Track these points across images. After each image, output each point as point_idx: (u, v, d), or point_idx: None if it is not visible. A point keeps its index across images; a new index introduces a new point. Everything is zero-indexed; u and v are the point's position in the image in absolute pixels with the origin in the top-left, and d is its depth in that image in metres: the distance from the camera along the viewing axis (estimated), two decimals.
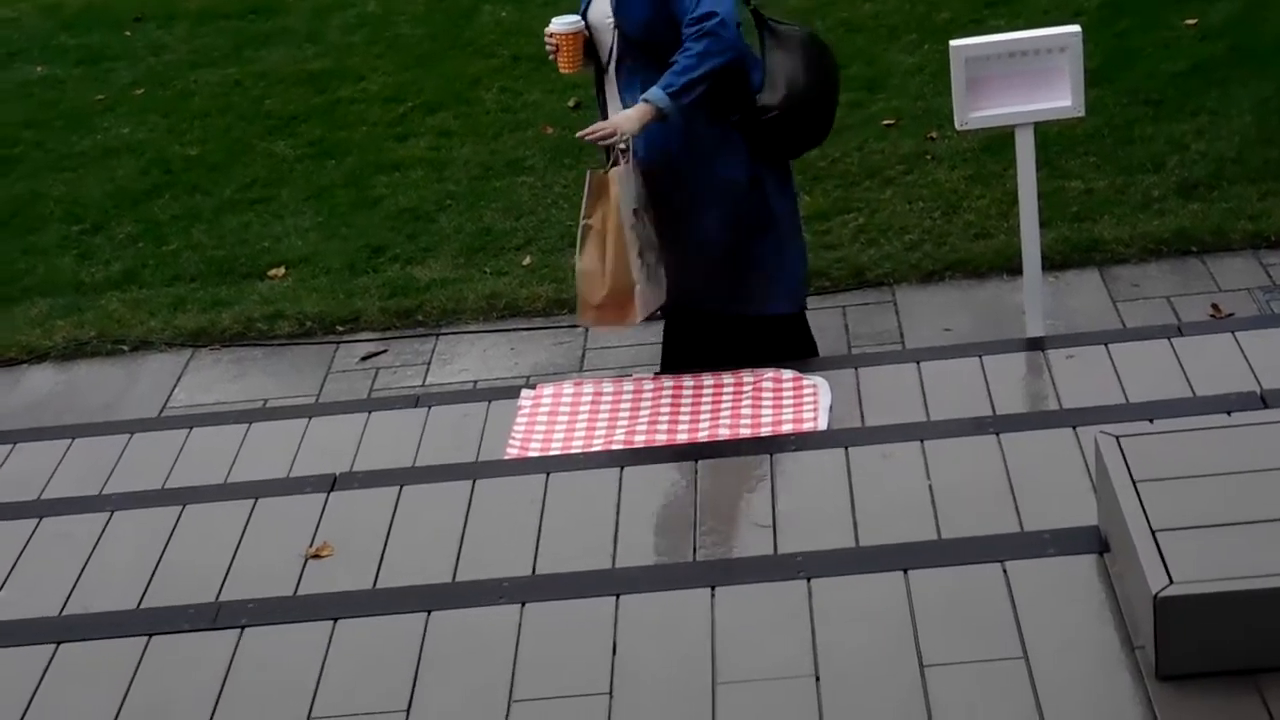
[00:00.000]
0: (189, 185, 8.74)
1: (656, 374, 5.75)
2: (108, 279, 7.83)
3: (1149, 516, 3.58)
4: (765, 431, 5.30)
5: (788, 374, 5.56)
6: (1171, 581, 3.38)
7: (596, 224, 5.36)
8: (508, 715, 3.61)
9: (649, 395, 5.55)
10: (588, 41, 5.52)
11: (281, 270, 7.73)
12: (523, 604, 3.97)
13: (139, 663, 3.92)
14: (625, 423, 5.43)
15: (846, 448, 4.76)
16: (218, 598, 4.34)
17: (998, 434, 4.73)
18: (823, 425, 5.30)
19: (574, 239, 5.67)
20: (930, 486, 4.52)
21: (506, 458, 5.32)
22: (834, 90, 5.66)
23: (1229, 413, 4.55)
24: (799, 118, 5.53)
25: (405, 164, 8.66)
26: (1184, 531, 3.52)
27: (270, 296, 7.47)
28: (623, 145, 5.34)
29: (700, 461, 4.82)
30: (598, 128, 5.40)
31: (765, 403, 5.47)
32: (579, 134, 5.45)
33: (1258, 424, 4.02)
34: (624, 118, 5.35)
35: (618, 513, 4.58)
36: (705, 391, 5.54)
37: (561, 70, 5.59)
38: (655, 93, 5.29)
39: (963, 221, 7.34)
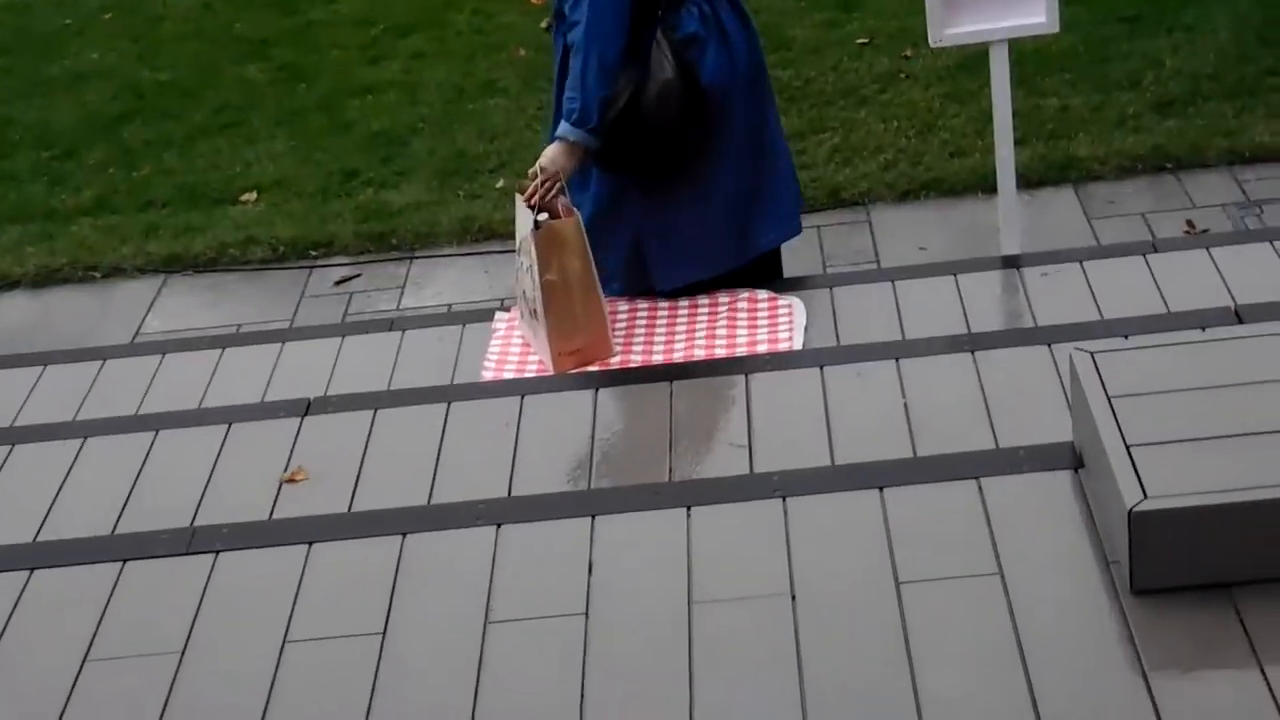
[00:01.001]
0: (160, 110, 8.69)
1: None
2: (79, 206, 7.80)
3: (1123, 432, 3.57)
4: (740, 352, 5.29)
5: (763, 294, 5.54)
6: (1146, 496, 3.38)
7: (557, 277, 5.16)
8: (484, 636, 3.61)
9: (623, 317, 5.53)
10: None
11: (254, 195, 7.70)
12: (498, 526, 3.97)
13: (113, 588, 3.90)
14: None
15: (822, 367, 4.74)
16: (192, 523, 4.32)
17: (973, 352, 4.72)
18: (798, 345, 5.29)
19: None
20: (905, 405, 4.52)
21: (482, 380, 5.31)
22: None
23: (1203, 328, 4.54)
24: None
25: (377, 87, 8.61)
26: (1158, 447, 3.52)
27: (243, 222, 7.44)
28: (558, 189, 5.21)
29: (675, 382, 4.81)
30: (536, 183, 5.15)
31: (740, 323, 5.45)
32: (523, 197, 5.19)
33: (1232, 339, 4.01)
34: (551, 159, 5.18)
35: (593, 434, 4.56)
36: (680, 312, 5.52)
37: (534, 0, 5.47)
38: (564, 126, 5.15)
39: (938, 140, 7.33)
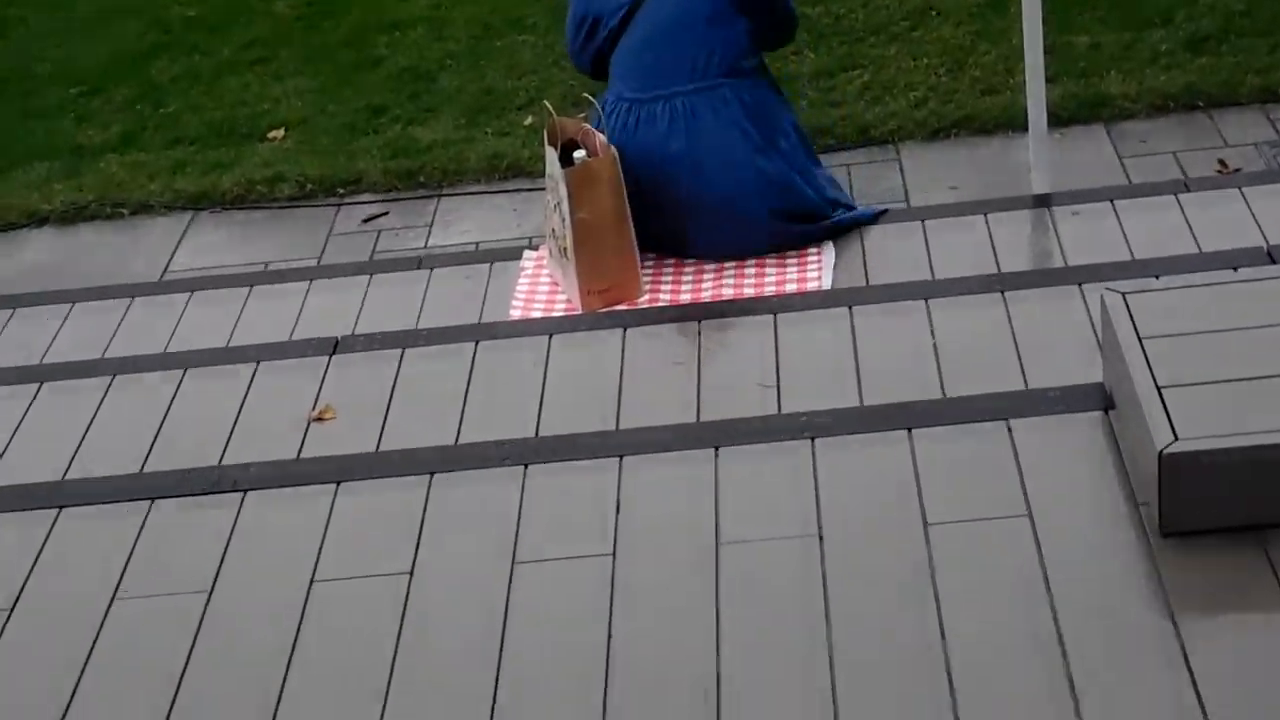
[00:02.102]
0: (188, 46, 8.66)
1: None
2: (106, 142, 7.78)
3: (1154, 373, 3.55)
4: (769, 291, 5.27)
5: None
6: (1177, 438, 3.36)
7: (589, 215, 5.17)
8: (511, 576, 3.61)
9: (653, 255, 5.51)
10: None
11: (281, 132, 7.67)
12: (526, 466, 3.96)
13: (141, 527, 3.92)
14: None
15: (850, 307, 4.72)
16: (220, 462, 4.33)
17: (1003, 292, 4.69)
18: (826, 284, 5.28)
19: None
20: (935, 345, 4.50)
21: (510, 319, 5.30)
22: None
23: (1235, 269, 4.51)
24: None
25: (405, 23, 8.56)
26: (1189, 388, 3.50)
27: (270, 159, 7.41)
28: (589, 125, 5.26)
29: (704, 321, 4.80)
30: None
31: (769, 262, 5.43)
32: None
33: (1264, 279, 3.97)
34: None
35: (621, 374, 4.55)
36: None
37: None
38: None
39: (969, 78, 7.26)
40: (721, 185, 5.35)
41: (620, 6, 5.36)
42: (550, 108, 5.54)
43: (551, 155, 5.30)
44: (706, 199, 5.36)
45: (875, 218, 5.59)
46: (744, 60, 5.41)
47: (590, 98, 5.48)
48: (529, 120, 5.41)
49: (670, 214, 5.39)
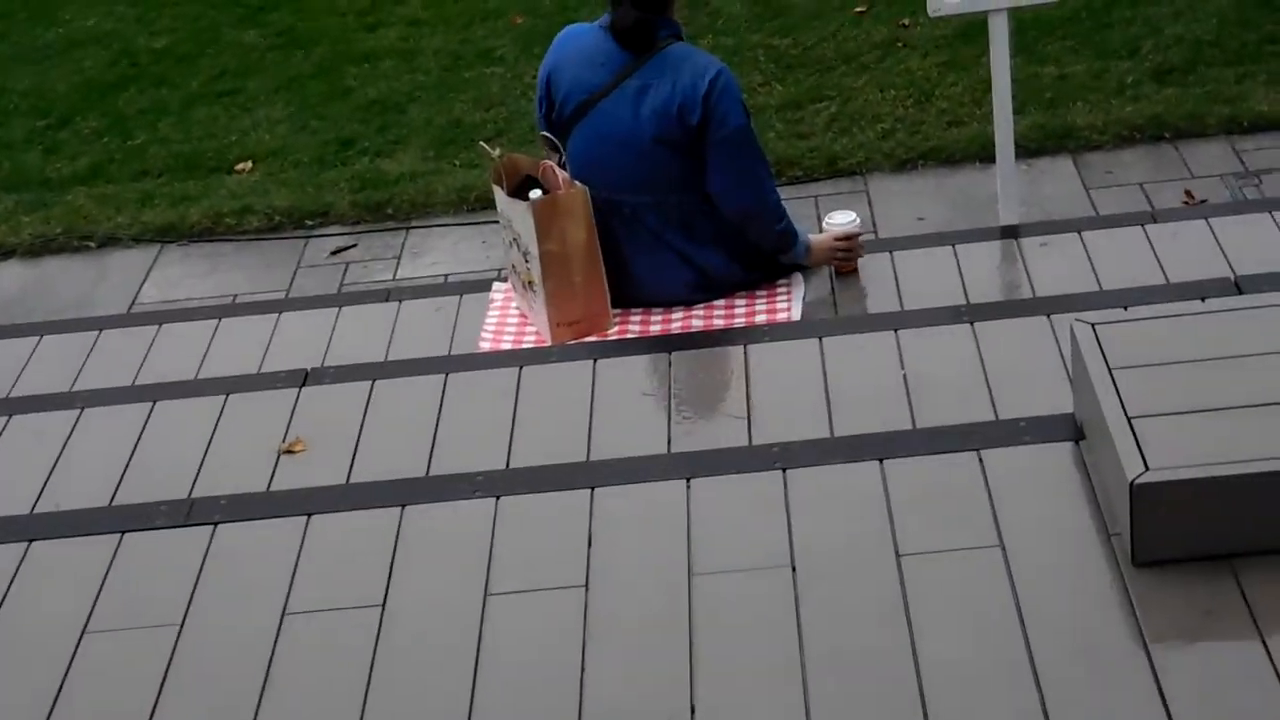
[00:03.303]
0: (156, 78, 8.67)
1: None
2: (74, 174, 7.78)
3: (1124, 403, 3.57)
4: (740, 323, 5.27)
5: None
6: (1148, 468, 3.37)
7: (557, 247, 5.12)
8: (484, 608, 3.60)
9: None
10: None
11: (250, 164, 7.68)
12: (497, 498, 3.96)
13: (111, 560, 3.89)
14: None
15: (821, 338, 4.73)
16: (190, 494, 4.31)
17: (972, 323, 4.71)
18: (796, 316, 5.28)
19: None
20: (905, 376, 4.51)
21: (479, 351, 5.29)
22: None
23: (1203, 299, 4.54)
24: None
25: (375, 54, 8.59)
26: (1160, 418, 3.51)
27: (239, 191, 7.42)
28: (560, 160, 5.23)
29: (674, 353, 4.80)
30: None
31: (739, 294, 5.43)
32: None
33: (1232, 310, 4.00)
34: None
35: (591, 405, 4.55)
36: None
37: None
38: None
39: (936, 109, 7.31)
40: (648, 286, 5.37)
41: (573, 102, 5.27)
42: (487, 148, 5.49)
43: (500, 193, 5.30)
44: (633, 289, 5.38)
45: None
46: (696, 183, 5.24)
47: (549, 136, 5.48)
48: (498, 152, 5.40)
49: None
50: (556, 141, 5.29)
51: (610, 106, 5.21)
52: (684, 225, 5.27)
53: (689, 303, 5.37)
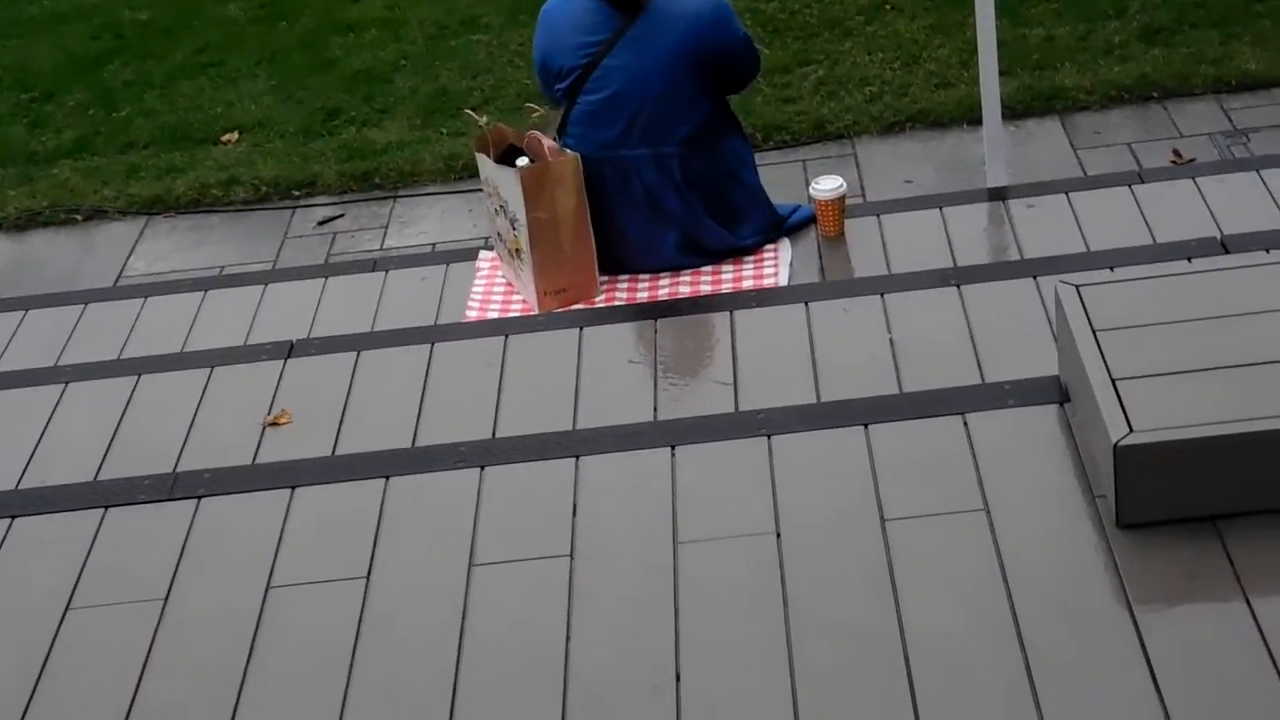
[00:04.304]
0: (140, 50, 8.63)
1: None
2: (59, 147, 7.75)
3: (1109, 366, 3.55)
4: (726, 288, 5.26)
5: None
6: (1132, 430, 3.36)
7: (546, 214, 5.15)
8: (469, 579, 3.59)
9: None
10: None
11: (235, 135, 7.65)
12: (482, 468, 3.94)
13: (95, 535, 3.88)
14: None
15: (807, 303, 4.72)
16: (175, 468, 4.30)
17: (959, 286, 4.69)
18: (783, 280, 5.27)
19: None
20: (891, 340, 4.50)
21: (465, 320, 5.28)
22: None
23: (1189, 259, 4.52)
24: None
25: (360, 25, 8.55)
26: (1144, 380, 3.50)
27: (225, 162, 7.39)
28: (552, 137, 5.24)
29: (660, 320, 4.78)
30: None
31: (725, 259, 5.42)
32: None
33: (1218, 270, 3.99)
34: None
35: (577, 374, 4.54)
36: None
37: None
38: None
39: (923, 72, 7.28)
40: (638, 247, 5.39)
41: (575, 67, 5.29)
42: (474, 116, 5.51)
43: (485, 161, 5.29)
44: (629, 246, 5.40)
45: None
46: (698, 129, 5.33)
47: (533, 106, 5.47)
48: (484, 120, 5.38)
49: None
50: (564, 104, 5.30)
51: (614, 62, 5.26)
52: (679, 183, 5.28)
53: (677, 267, 5.36)
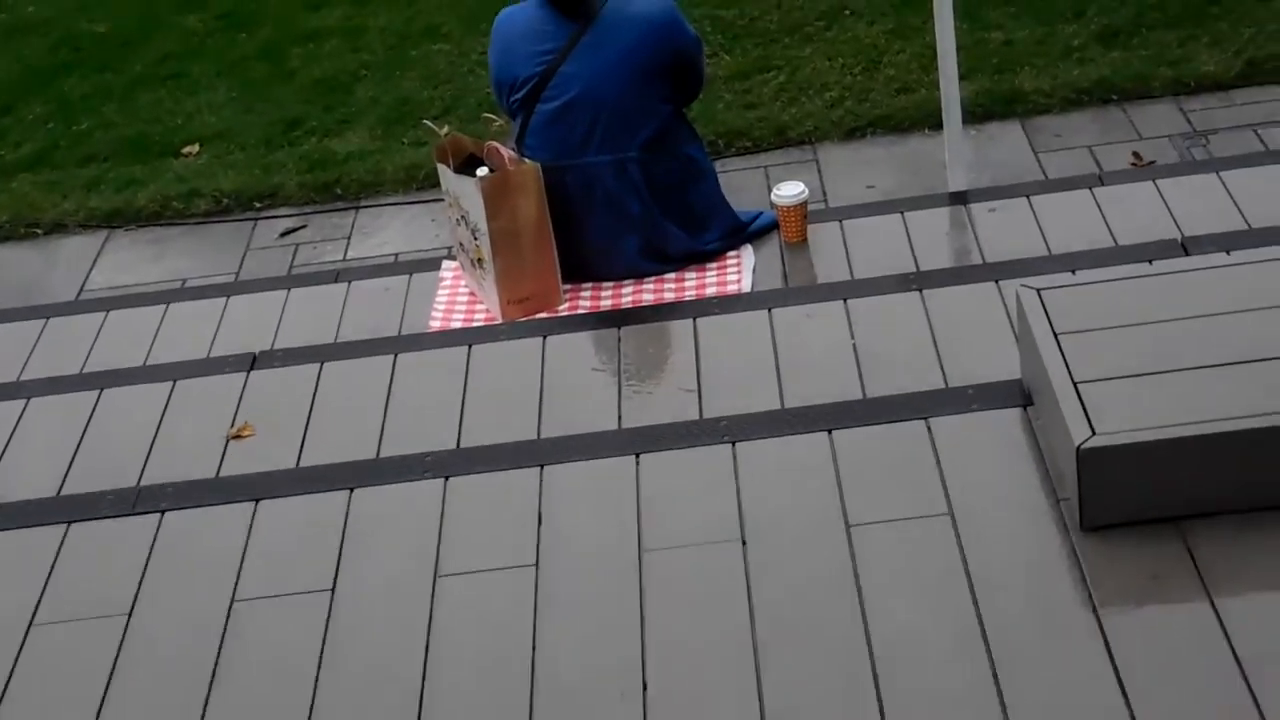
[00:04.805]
0: (99, 63, 8.59)
1: None
2: (18, 161, 7.71)
3: (1070, 368, 3.57)
4: (690, 295, 5.26)
5: None
6: (1094, 433, 3.38)
7: (507, 223, 5.15)
8: (434, 589, 3.59)
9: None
10: None
11: (196, 147, 7.62)
12: (447, 478, 3.94)
13: (59, 551, 3.87)
14: None
15: (770, 309, 4.72)
16: (138, 482, 4.28)
17: (921, 290, 4.70)
18: (746, 287, 5.27)
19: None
20: (854, 345, 4.50)
21: (429, 330, 5.27)
22: None
23: (1150, 261, 4.53)
24: None
25: (319, 34, 8.52)
26: (1106, 383, 3.51)
27: (186, 174, 7.36)
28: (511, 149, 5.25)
29: (623, 328, 4.78)
30: None
31: (689, 266, 5.42)
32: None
33: (1179, 272, 4.00)
34: None
35: (541, 382, 4.53)
36: None
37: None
38: None
39: (884, 77, 7.29)
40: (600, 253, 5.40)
41: (531, 76, 5.29)
42: (433, 126, 5.51)
43: (445, 171, 5.30)
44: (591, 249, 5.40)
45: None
46: (657, 134, 5.33)
47: (491, 116, 5.47)
48: (445, 129, 5.38)
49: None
50: (520, 115, 5.30)
51: (570, 69, 5.27)
52: (639, 187, 5.28)
53: (640, 273, 5.36)
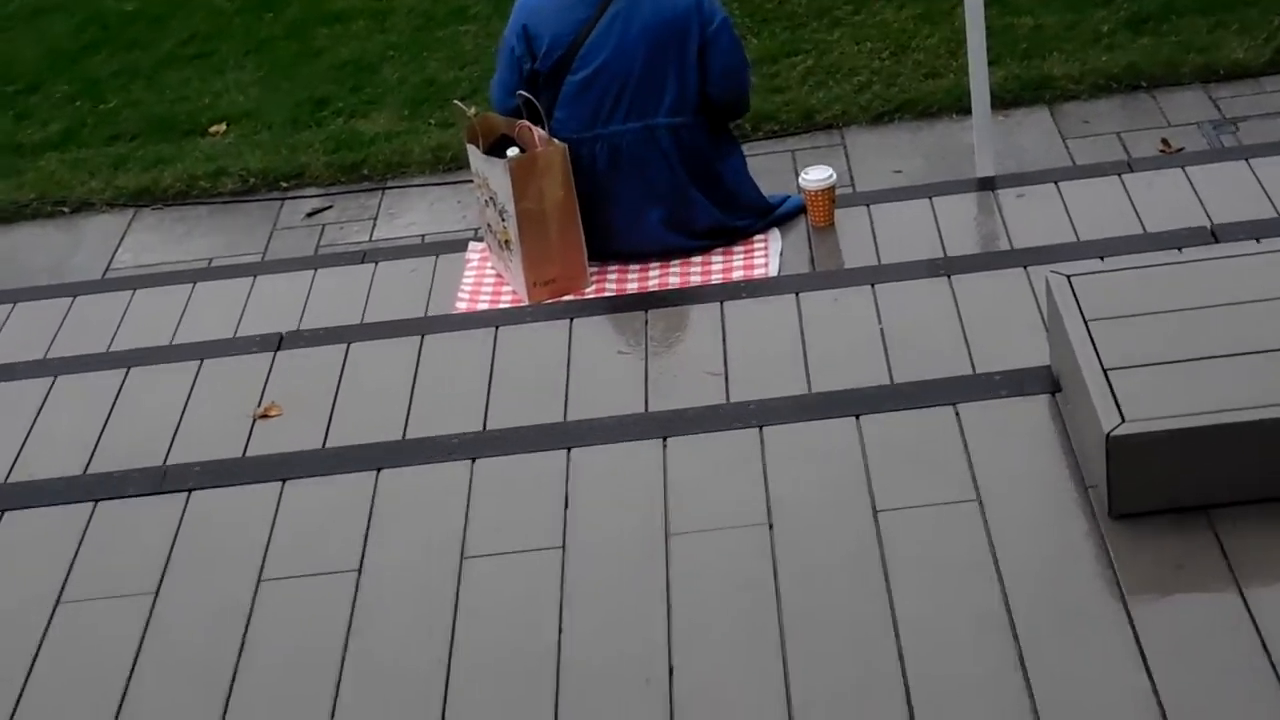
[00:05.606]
0: (126, 41, 8.60)
1: None
2: (46, 139, 7.72)
3: (1100, 355, 3.55)
4: (716, 279, 5.25)
5: None
6: (1124, 420, 3.36)
7: (534, 205, 5.16)
8: (460, 571, 3.59)
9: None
10: None
11: (223, 126, 7.63)
12: (473, 460, 3.94)
13: (85, 529, 3.88)
14: None
15: (798, 293, 4.72)
16: (165, 461, 4.29)
17: (949, 276, 4.69)
18: (774, 271, 5.27)
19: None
20: (882, 330, 4.49)
21: (455, 312, 5.27)
22: None
23: (1180, 249, 4.52)
24: None
25: (346, 15, 8.52)
26: (1135, 370, 3.50)
27: (213, 153, 7.37)
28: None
29: (651, 311, 4.78)
30: None
31: (715, 250, 5.41)
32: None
33: (1208, 259, 3.99)
34: None
35: (568, 365, 4.53)
36: None
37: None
38: None
39: (912, 61, 7.27)
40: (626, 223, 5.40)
41: (563, 43, 5.29)
42: (462, 106, 5.50)
43: (474, 152, 5.29)
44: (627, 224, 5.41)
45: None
46: (685, 102, 5.33)
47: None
48: (472, 110, 5.38)
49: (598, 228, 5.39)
50: (534, 101, 5.27)
51: (598, 39, 5.28)
52: (668, 154, 5.28)
53: (665, 246, 5.35)
